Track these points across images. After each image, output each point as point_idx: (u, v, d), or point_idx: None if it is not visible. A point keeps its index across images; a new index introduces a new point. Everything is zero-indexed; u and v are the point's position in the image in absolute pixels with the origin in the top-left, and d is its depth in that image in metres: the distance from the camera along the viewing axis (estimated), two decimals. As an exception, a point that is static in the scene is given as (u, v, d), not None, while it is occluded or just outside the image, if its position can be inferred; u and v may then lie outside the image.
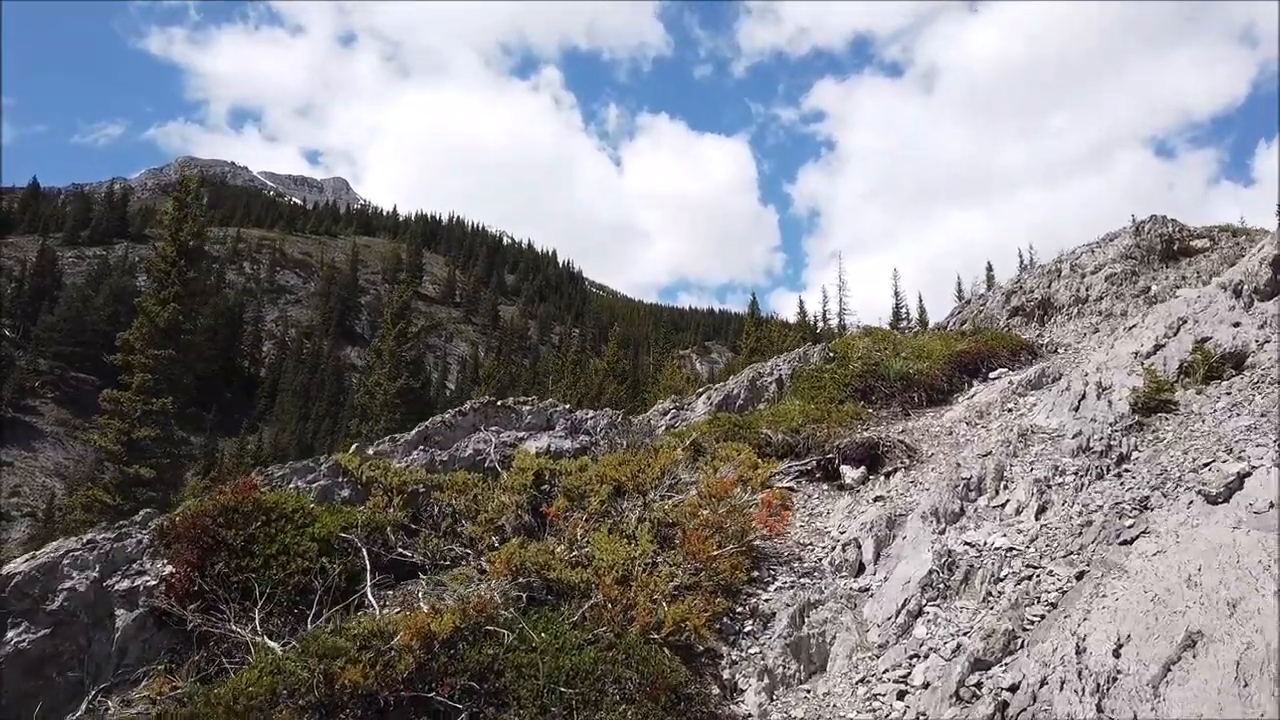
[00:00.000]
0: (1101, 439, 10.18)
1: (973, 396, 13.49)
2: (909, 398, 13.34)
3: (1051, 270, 23.23)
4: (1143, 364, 12.17)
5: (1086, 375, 12.13)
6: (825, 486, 10.80)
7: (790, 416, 12.31)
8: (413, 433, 8.95)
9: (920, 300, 78.08)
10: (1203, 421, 10.05)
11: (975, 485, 9.44)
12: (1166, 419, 10.80)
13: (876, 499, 9.65)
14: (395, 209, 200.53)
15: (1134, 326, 13.27)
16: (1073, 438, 10.32)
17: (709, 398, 13.30)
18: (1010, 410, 12.34)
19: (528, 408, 10.15)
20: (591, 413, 10.93)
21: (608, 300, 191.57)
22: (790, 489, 10.68)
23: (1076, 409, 11.42)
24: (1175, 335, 12.71)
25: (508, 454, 9.11)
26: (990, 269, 65.43)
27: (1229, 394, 11.09)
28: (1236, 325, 12.68)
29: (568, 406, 10.78)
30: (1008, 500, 9.14)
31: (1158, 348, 12.44)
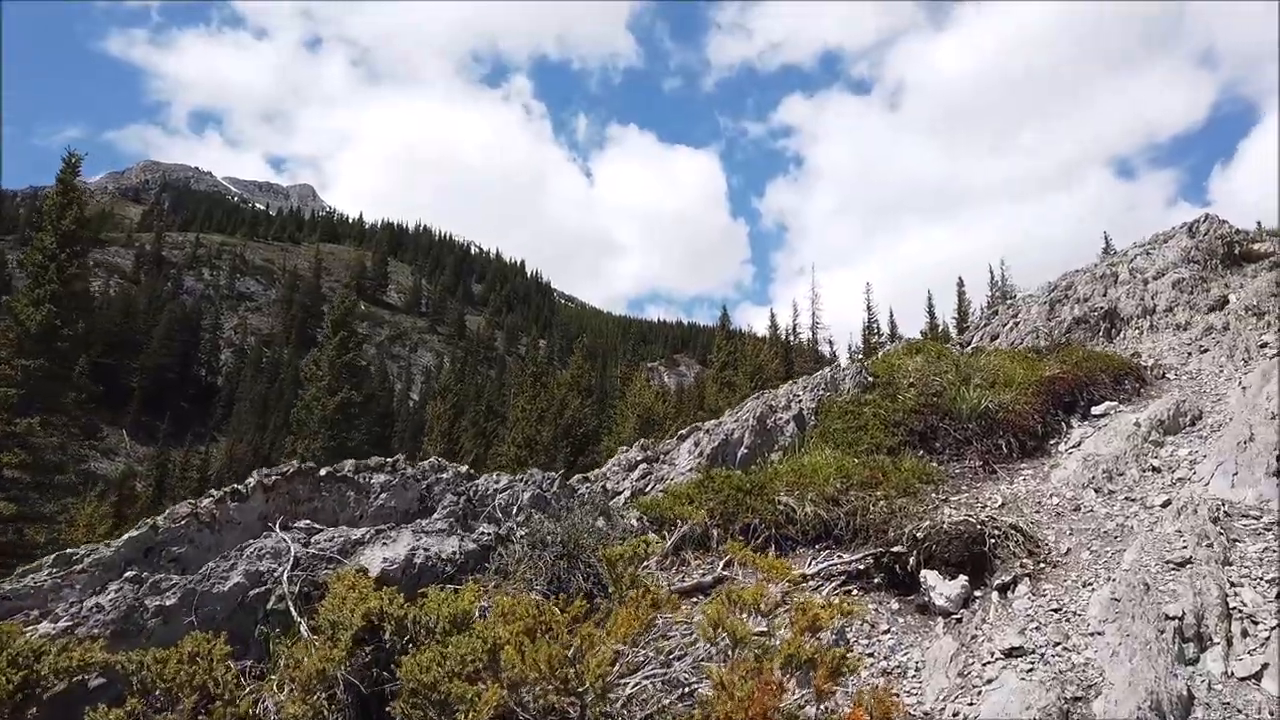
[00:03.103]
0: (1367, 533, 6.00)
1: (1079, 444, 9.29)
2: (991, 445, 9.12)
3: (1106, 275, 19.20)
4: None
5: (1276, 418, 7.96)
6: (895, 604, 6.52)
7: (822, 475, 8.04)
8: (120, 542, 4.47)
9: (891, 315, 74.63)
10: None
11: (1191, 631, 5.20)
12: None
13: (1010, 652, 5.35)
14: (361, 216, 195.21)
15: (1322, 344, 9.14)
16: (1321, 532, 6.12)
17: (697, 443, 9.04)
18: (1156, 470, 8.14)
19: (382, 477, 5.74)
20: (503, 480, 6.54)
21: (576, 311, 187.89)
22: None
23: (1276, 474, 7.25)
24: (1385, 359, 8.61)
25: (323, 577, 4.74)
26: (961, 284, 62.34)
27: None
28: None
29: (463, 470, 6.42)
30: (1264, 665, 4.92)
31: (1368, 378, 8.32)
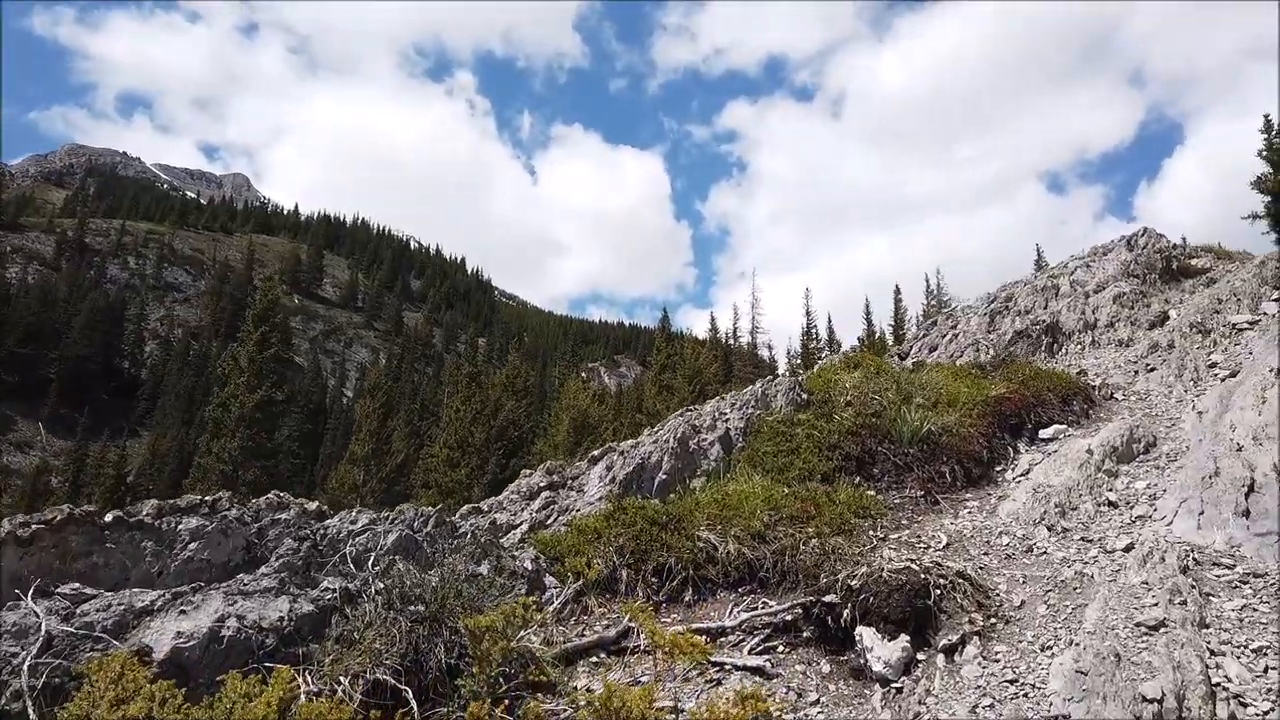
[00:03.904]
0: (1357, 592, 5.30)
1: (1028, 472, 8.54)
2: (934, 472, 8.31)
3: (1047, 287, 18.78)
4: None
5: (1242, 450, 7.28)
6: (826, 666, 5.62)
7: (749, 508, 7.14)
8: None
9: (829, 321, 75.42)
10: None
11: (1173, 716, 4.38)
12: None
13: (961, 744, 4.47)
14: (297, 208, 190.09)
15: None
16: (1309, 590, 5.38)
17: (610, 467, 8.03)
18: (1113, 504, 7.41)
19: (194, 522, 4.54)
20: (362, 519, 5.40)
21: (517, 310, 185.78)
22: (758, 672, 5.48)
23: (1246, 514, 6.55)
24: (1351, 386, 8.00)
25: (86, 663, 3.61)
26: (898, 292, 62.66)
27: None
28: None
29: (310, 508, 5.28)
30: (1260, 764, 4.12)
31: (1336, 407, 7.70)
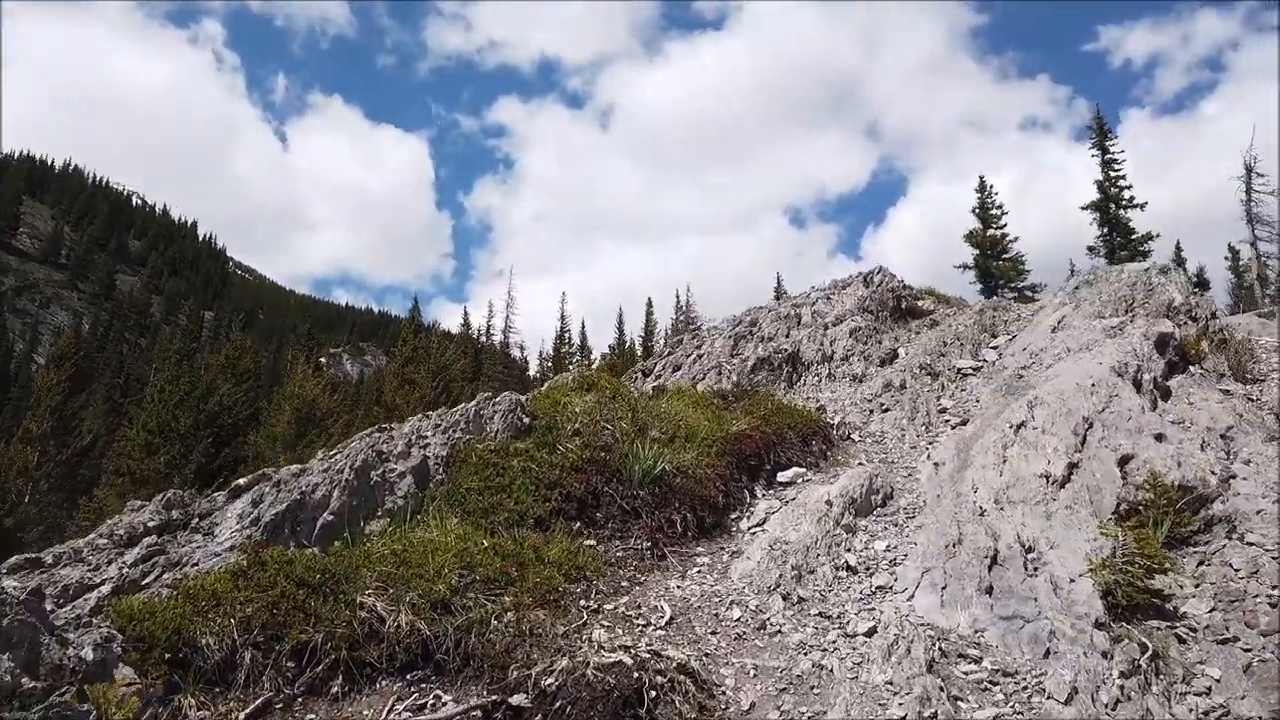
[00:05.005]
0: (1109, 698, 4.68)
1: (764, 522, 7.63)
2: (664, 519, 7.19)
3: (790, 316, 18.72)
4: (1056, 496, 7.06)
5: (985, 517, 6.74)
6: (502, 801, 4.22)
7: (435, 564, 5.63)
8: None
9: (584, 327, 75.10)
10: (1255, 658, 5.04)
11: None
12: (1168, 633, 5.59)
13: None
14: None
15: (1022, 425, 8.16)
16: (1064, 702, 4.67)
17: (256, 501, 6.12)
18: (852, 569, 6.60)
19: None
20: None
21: (254, 285, 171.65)
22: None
23: (989, 591, 5.92)
24: (1084, 448, 7.78)
25: None
26: (650, 305, 63.87)
27: (1231, 583, 6.19)
28: (1160, 439, 8.03)
29: None
30: None
31: (1072, 469, 7.41)
